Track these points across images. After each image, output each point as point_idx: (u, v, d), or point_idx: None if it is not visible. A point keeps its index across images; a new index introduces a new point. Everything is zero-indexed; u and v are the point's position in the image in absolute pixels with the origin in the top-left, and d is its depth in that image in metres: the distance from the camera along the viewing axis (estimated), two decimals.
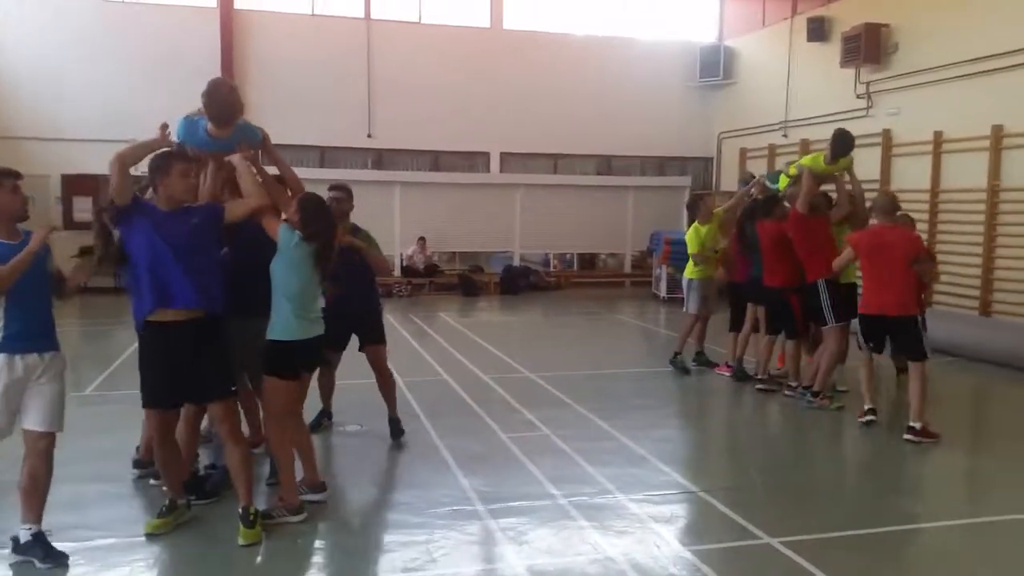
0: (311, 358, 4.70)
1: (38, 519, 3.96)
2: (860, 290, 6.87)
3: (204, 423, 5.05)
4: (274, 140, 4.92)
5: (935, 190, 11.48)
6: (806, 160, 7.28)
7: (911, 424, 6.22)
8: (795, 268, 7.32)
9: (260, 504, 4.49)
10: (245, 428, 5.02)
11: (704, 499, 4.95)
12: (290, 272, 4.45)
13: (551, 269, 18.00)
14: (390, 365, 6.13)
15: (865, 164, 7.50)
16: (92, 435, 5.75)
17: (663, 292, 15.09)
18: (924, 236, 9.19)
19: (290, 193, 4.75)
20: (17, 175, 3.87)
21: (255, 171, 4.55)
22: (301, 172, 5.04)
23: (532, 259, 17.94)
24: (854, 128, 7.44)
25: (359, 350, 6.05)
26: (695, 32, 17.48)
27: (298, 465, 4.70)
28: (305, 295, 4.54)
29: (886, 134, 12.37)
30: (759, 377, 7.81)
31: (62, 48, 14.55)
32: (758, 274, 7.74)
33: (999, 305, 10.63)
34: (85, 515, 4.53)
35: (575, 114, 16.84)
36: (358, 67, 15.93)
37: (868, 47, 12.34)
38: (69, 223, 13.65)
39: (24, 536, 3.93)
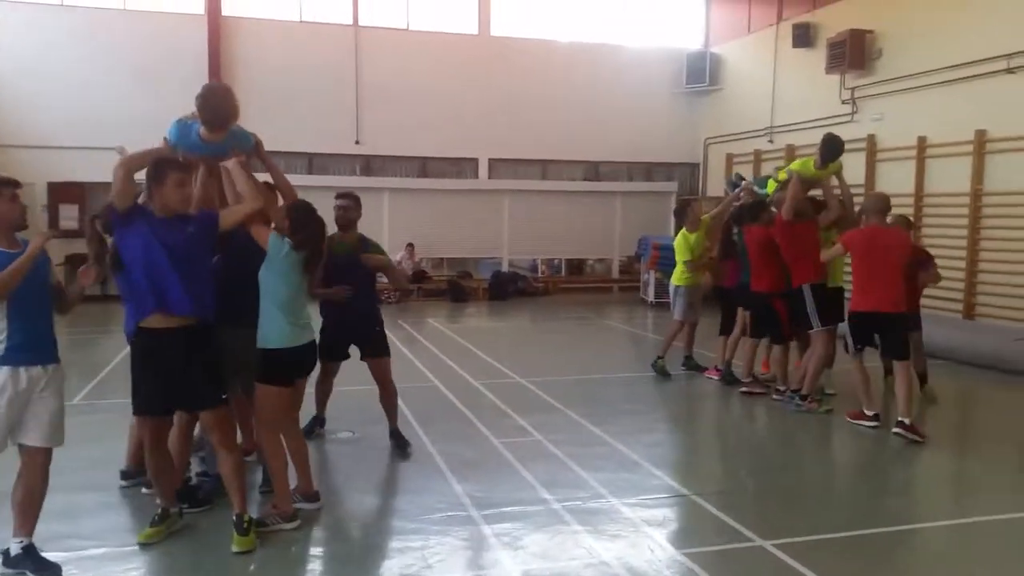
0: (303, 364, 4.70)
1: (30, 532, 3.93)
2: (848, 294, 6.96)
3: (196, 431, 5.04)
4: None
5: (919, 194, 11.62)
6: (795, 165, 7.35)
7: (900, 419, 6.32)
8: (781, 273, 7.39)
9: (253, 512, 4.48)
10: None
11: (696, 502, 4.98)
12: (280, 280, 4.47)
13: (539, 275, 18.04)
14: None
15: (850, 169, 7.58)
16: (82, 444, 5.66)
17: (651, 297, 15.16)
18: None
19: (282, 199, 4.77)
20: (16, 184, 3.85)
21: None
22: (289, 178, 5.02)
23: (520, 265, 17.99)
24: (839, 133, 7.53)
25: (361, 359, 6.01)
26: (681, 39, 17.60)
27: (291, 473, 4.69)
28: (295, 302, 4.56)
29: (871, 139, 12.51)
30: (744, 380, 7.88)
31: (48, 55, 14.47)
32: (747, 279, 7.80)
33: (983, 308, 10.77)
34: (77, 525, 4.51)
35: (563, 120, 16.92)
36: (346, 74, 15.94)
37: (853, 53, 12.49)
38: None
39: (15, 549, 3.90)
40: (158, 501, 4.61)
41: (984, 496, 5.31)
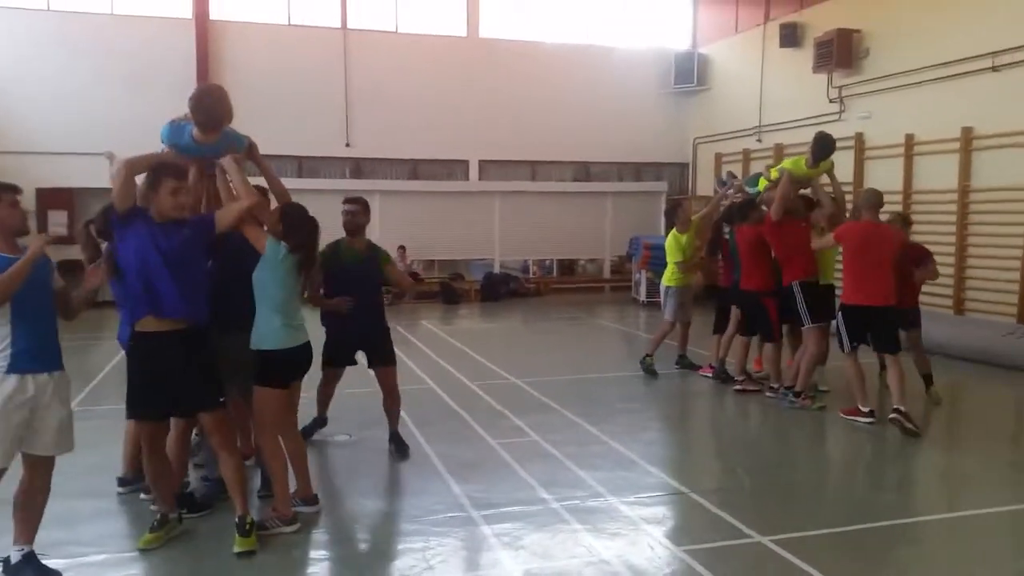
0: (299, 366, 4.70)
1: (31, 540, 3.91)
2: (838, 291, 7.02)
3: (192, 438, 5.03)
4: None
5: (907, 192, 11.70)
6: (787, 163, 7.40)
7: (896, 407, 6.41)
8: (771, 272, 7.46)
9: (253, 515, 4.48)
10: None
11: (694, 500, 5.01)
12: (276, 283, 4.47)
13: (531, 275, 18.06)
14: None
15: (839, 168, 7.63)
16: (79, 451, 5.53)
17: (643, 296, 15.20)
18: None
19: (276, 202, 4.77)
20: (16, 189, 3.84)
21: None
22: None
23: (512, 266, 18.01)
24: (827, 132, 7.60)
25: (368, 367, 5.98)
26: (669, 39, 17.66)
27: (291, 477, 4.69)
28: (290, 304, 4.58)
29: (858, 138, 12.60)
30: (737, 378, 7.92)
31: (36, 60, 14.37)
32: (740, 277, 7.84)
33: (972, 303, 10.86)
34: (76, 531, 4.50)
35: (552, 121, 16.95)
36: (335, 77, 15.92)
37: (840, 52, 12.57)
38: None
39: (15, 557, 3.88)
40: (153, 507, 4.63)
41: (978, 490, 5.36)
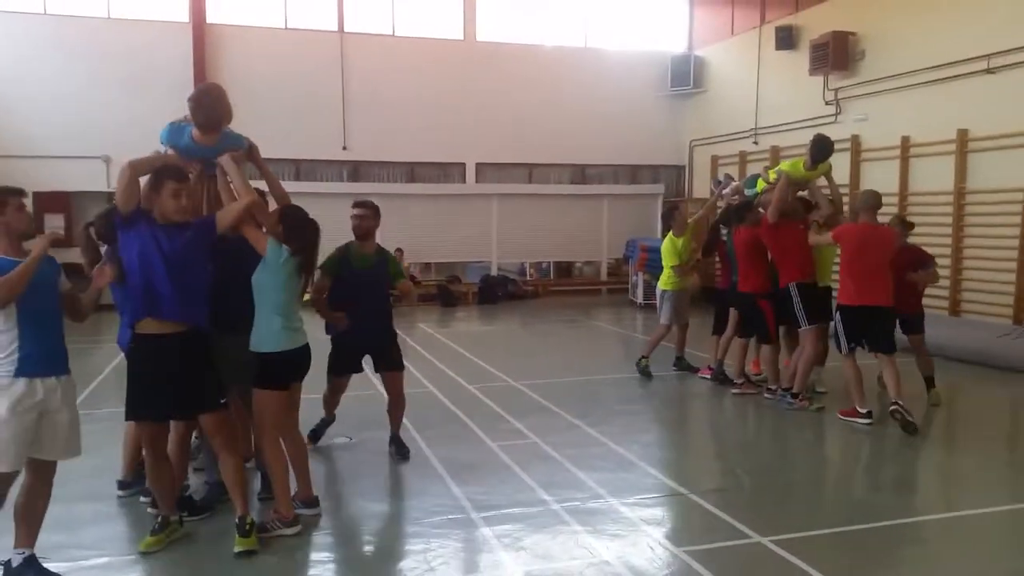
0: (299, 367, 4.70)
1: (32, 543, 3.91)
2: (834, 292, 7.05)
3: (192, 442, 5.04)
4: None
5: (903, 194, 11.75)
6: (785, 165, 7.43)
7: (895, 401, 6.48)
8: (767, 274, 7.49)
9: (254, 516, 4.49)
10: None
11: (693, 501, 5.03)
12: (277, 285, 4.49)
13: (528, 278, 18.08)
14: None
15: (835, 170, 7.67)
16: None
17: (640, 299, 15.24)
18: None
19: (275, 204, 4.78)
20: (22, 192, 3.84)
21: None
22: None
23: (509, 268, 18.02)
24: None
25: (375, 372, 5.96)
26: (665, 42, 17.71)
27: (291, 480, 4.70)
28: (291, 306, 4.59)
29: (855, 140, 12.65)
30: (736, 381, 7.95)
31: (33, 64, 14.36)
32: (737, 279, 7.87)
33: (968, 305, 10.91)
34: (77, 535, 4.50)
35: (549, 124, 16.98)
36: (332, 80, 15.93)
37: (836, 55, 12.62)
38: None
39: (16, 560, 3.88)
40: (150, 510, 4.66)
41: (976, 490, 5.38)
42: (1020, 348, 9.01)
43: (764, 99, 15.09)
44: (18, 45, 14.35)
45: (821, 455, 6.55)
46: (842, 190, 9.07)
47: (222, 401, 4.40)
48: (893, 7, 12.04)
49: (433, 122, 16.37)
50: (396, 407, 5.95)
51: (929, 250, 7.80)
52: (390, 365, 5.87)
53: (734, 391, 7.89)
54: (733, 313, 8.19)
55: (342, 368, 5.85)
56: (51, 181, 14.09)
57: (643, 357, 8.74)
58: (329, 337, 5.78)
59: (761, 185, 7.61)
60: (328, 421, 6.22)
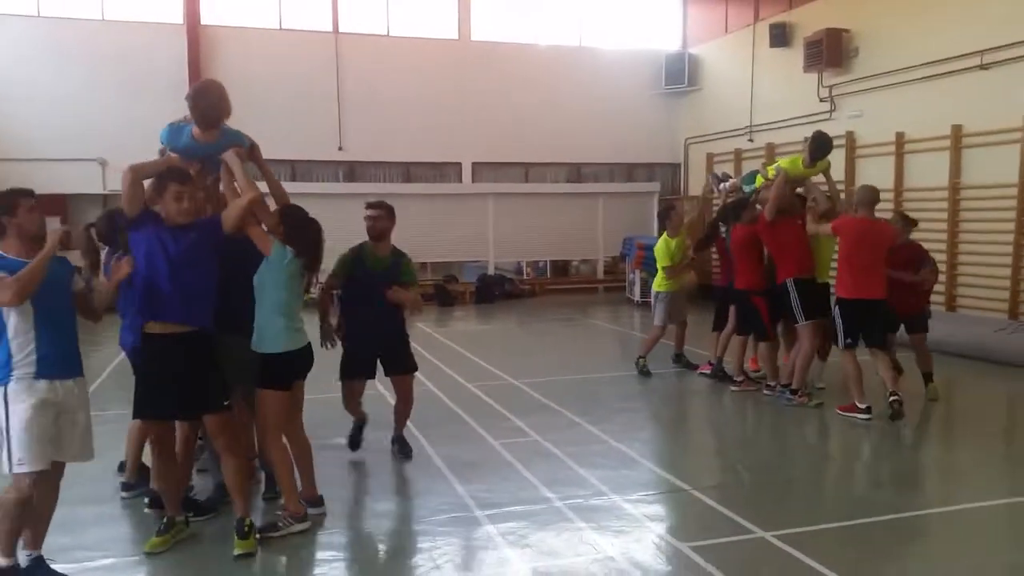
0: (302, 367, 4.71)
1: (39, 546, 3.93)
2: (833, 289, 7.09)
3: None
4: None
5: (899, 189, 11.80)
6: (784, 162, 7.45)
7: (892, 391, 6.60)
8: (763, 271, 7.53)
9: (256, 517, 4.53)
10: None
11: (696, 497, 5.05)
12: (281, 286, 4.50)
13: (525, 277, 18.09)
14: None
15: (831, 166, 7.71)
16: None
17: (637, 296, 15.27)
18: None
19: (275, 204, 4.79)
20: (32, 194, 3.86)
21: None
22: None
23: (505, 268, 18.03)
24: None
25: (385, 375, 5.86)
26: (659, 40, 17.75)
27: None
28: (293, 306, 4.61)
29: (849, 136, 12.70)
30: (736, 378, 7.97)
31: (27, 66, 14.31)
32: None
33: (963, 300, 10.97)
34: (82, 536, 4.50)
35: (544, 123, 17.01)
36: (328, 80, 15.92)
37: (830, 52, 12.67)
38: None
39: (24, 562, 3.89)
40: (147, 511, 4.69)
41: (975, 484, 5.43)
42: (1016, 343, 9.07)
43: (759, 96, 15.13)
44: (12, 47, 14.31)
45: (821, 451, 6.58)
46: (838, 187, 9.12)
47: (226, 403, 4.41)
48: (886, 4, 12.09)
49: (429, 122, 16.38)
50: (403, 406, 5.92)
51: (925, 246, 7.85)
52: (401, 368, 5.79)
53: (733, 388, 7.92)
54: (733, 309, 8.23)
55: (354, 372, 5.72)
56: (47, 184, 13.86)
57: (641, 357, 8.77)
58: (340, 341, 5.64)
59: (760, 181, 7.64)
60: (360, 425, 6.01)
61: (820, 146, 7.17)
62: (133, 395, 4.30)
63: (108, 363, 9.19)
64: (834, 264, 7.19)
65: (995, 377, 8.68)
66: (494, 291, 16.25)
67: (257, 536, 4.33)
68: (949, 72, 10.94)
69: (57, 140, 14.28)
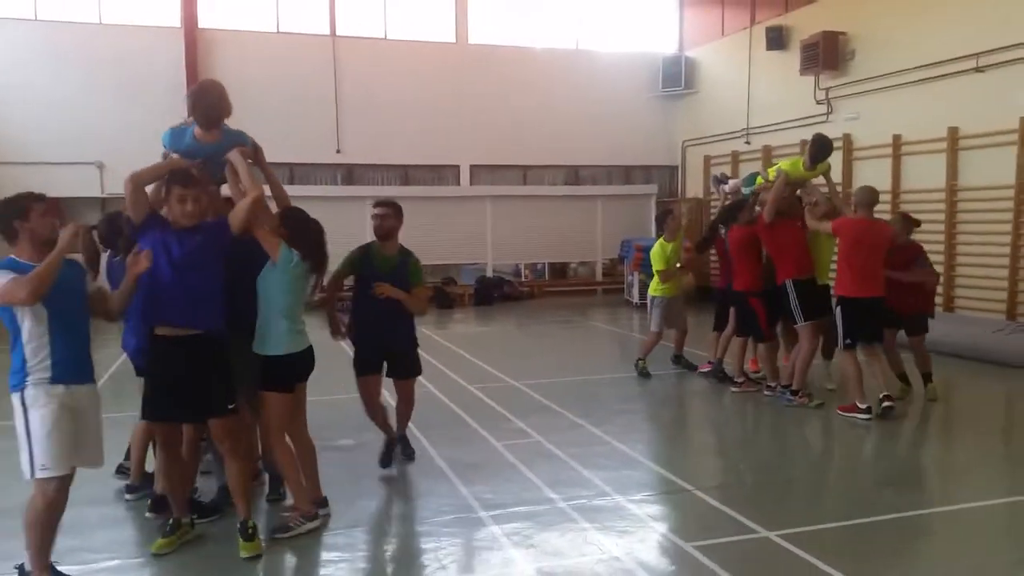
0: (304, 369, 4.73)
1: None
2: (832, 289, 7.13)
3: None
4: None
5: (896, 192, 11.86)
6: (784, 164, 7.49)
7: (885, 394, 6.72)
8: (760, 272, 7.56)
9: (259, 519, 4.55)
10: None
11: (699, 497, 5.08)
12: (285, 288, 4.51)
13: (523, 279, 18.12)
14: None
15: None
16: None
17: (635, 298, 15.29)
18: None
19: (276, 206, 4.81)
20: (44, 198, 3.86)
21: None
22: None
23: (504, 270, 18.05)
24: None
25: (387, 376, 5.80)
26: (656, 43, 17.81)
27: None
28: (297, 308, 4.63)
29: (846, 139, 12.75)
30: (736, 380, 8.00)
31: (24, 70, 14.32)
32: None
33: (961, 301, 11.02)
34: (87, 538, 4.51)
35: (542, 126, 17.05)
36: (325, 83, 15.94)
37: (826, 54, 12.74)
38: None
39: (29, 563, 3.89)
40: (148, 514, 4.72)
41: (976, 483, 5.47)
42: (1014, 343, 9.12)
43: (755, 99, 15.19)
44: (9, 51, 14.31)
45: (821, 451, 6.62)
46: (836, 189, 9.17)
47: (231, 407, 4.42)
48: (882, 7, 12.16)
49: (426, 125, 16.40)
50: (405, 407, 5.90)
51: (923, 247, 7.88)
52: (406, 372, 5.72)
53: (734, 389, 7.95)
54: (733, 311, 8.26)
55: (363, 366, 5.61)
56: (45, 187, 13.47)
57: (640, 359, 8.79)
58: (348, 339, 5.66)
59: (760, 182, 7.67)
60: (390, 442, 5.76)
61: (821, 148, 7.21)
62: (141, 396, 4.31)
63: (109, 365, 9.18)
64: (834, 265, 7.23)
65: (993, 377, 8.73)
66: (493, 293, 16.27)
67: (271, 537, 4.36)
68: (945, 75, 11.00)
69: (54, 143, 14.27)
